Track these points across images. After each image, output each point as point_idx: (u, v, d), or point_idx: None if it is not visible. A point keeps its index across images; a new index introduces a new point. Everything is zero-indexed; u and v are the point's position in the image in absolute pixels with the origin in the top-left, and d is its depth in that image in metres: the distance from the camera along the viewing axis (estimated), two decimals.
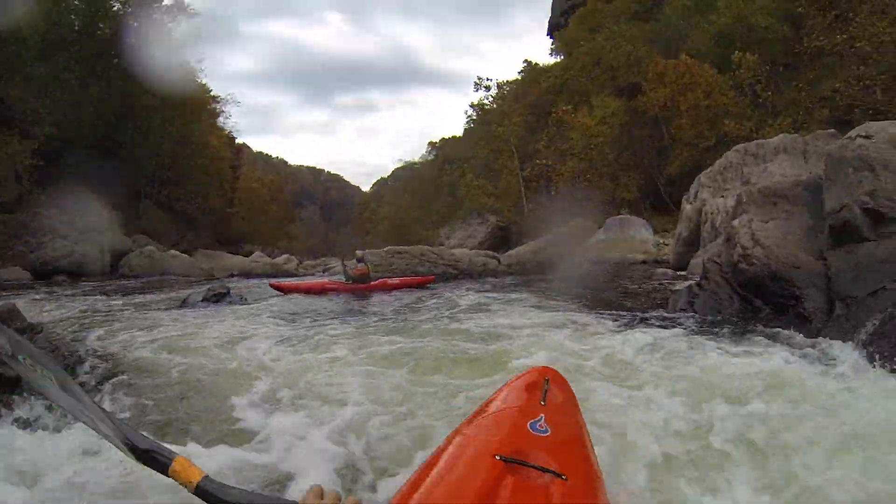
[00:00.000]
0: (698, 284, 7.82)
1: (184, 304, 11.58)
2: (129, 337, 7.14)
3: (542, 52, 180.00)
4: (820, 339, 5.49)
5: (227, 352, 6.15)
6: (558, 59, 56.34)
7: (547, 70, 53.19)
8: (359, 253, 15.80)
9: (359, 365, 5.39)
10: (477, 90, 56.40)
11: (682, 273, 14.23)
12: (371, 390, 4.47)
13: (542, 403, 2.15)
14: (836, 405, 3.70)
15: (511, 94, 56.05)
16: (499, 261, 22.59)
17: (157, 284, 19.15)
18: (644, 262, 21.10)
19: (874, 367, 4.52)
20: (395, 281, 15.44)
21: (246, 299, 12.34)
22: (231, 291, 12.46)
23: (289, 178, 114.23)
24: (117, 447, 1.41)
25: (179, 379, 5.07)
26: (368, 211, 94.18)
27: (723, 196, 15.95)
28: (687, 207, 17.84)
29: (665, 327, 6.70)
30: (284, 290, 14.65)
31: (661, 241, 23.87)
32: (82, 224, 26.41)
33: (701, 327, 6.60)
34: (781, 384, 4.28)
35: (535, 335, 6.63)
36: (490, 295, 12.47)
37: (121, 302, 12.60)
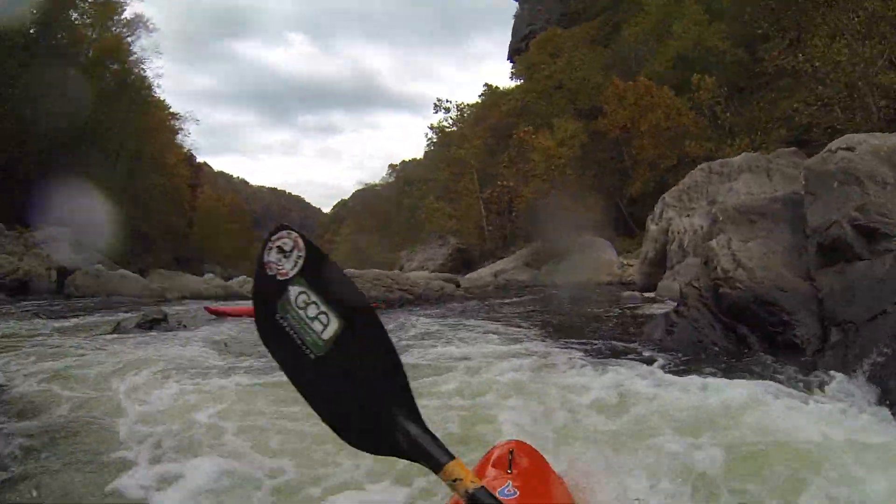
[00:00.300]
0: (676, 311, 7.11)
1: (116, 329, 10.71)
2: (32, 366, 6.46)
3: (502, 76, 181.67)
4: (816, 372, 4.89)
5: (126, 388, 5.46)
6: (518, 83, 56.33)
7: (507, 93, 53.18)
8: None
9: (263, 406, 4.79)
10: (437, 112, 55.86)
11: (651, 295, 13.69)
12: (259, 434, 3.96)
13: (509, 472, 2.09)
14: (842, 464, 3.12)
15: (471, 116, 55.86)
16: (457, 284, 21.96)
17: (100, 306, 18.16)
18: (609, 283, 20.65)
19: (883, 407, 3.94)
20: None
21: (185, 325, 11.56)
22: (168, 317, 11.68)
23: (250, 198, 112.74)
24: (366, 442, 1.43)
25: (60, 420, 4.46)
26: (329, 233, 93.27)
27: (688, 215, 15.59)
28: (652, 228, 17.42)
29: (641, 360, 6.06)
30: (220, 315, 13.94)
31: (626, 262, 23.44)
32: (30, 239, 25.42)
33: (681, 360, 5.94)
34: (775, 430, 3.65)
35: (483, 368, 5.93)
36: (445, 321, 11.78)
37: (51, 325, 11.75)
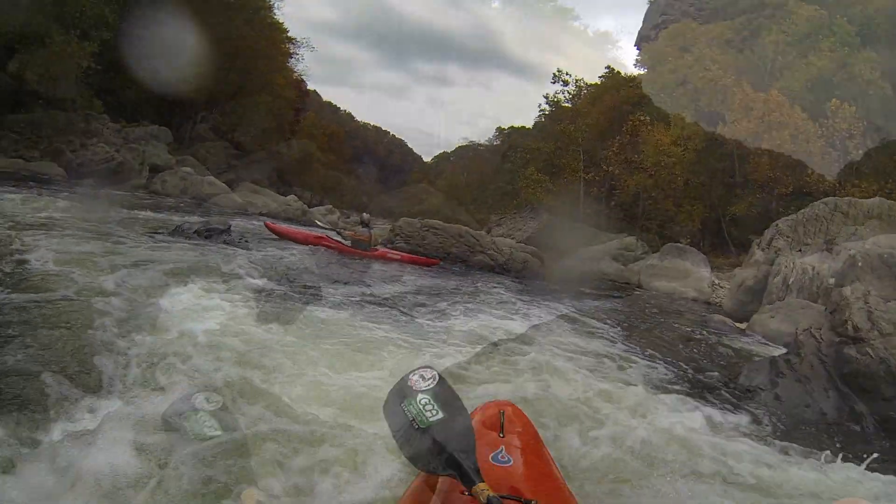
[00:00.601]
0: (786, 361, 6.18)
1: (175, 231, 10.85)
2: (65, 245, 6.52)
3: (626, 61, 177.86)
4: None
5: (136, 287, 5.38)
6: (642, 72, 54.61)
7: (629, 80, 51.52)
8: (365, 216, 14.76)
9: (256, 329, 4.76)
10: (555, 82, 54.46)
11: (742, 326, 12.74)
12: (244, 370, 3.76)
13: (501, 436, 2.24)
14: None
15: (588, 95, 54.42)
16: (542, 260, 21.25)
17: (177, 206, 18.79)
18: (695, 300, 19.57)
19: None
20: (397, 255, 14.36)
21: (246, 241, 11.58)
22: (231, 229, 11.67)
23: (353, 132, 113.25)
24: (420, 462, 1.98)
25: (55, 302, 4.47)
26: (426, 181, 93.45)
27: (800, 250, 14.49)
28: (758, 253, 16.16)
29: (732, 406, 5.39)
30: (279, 234, 13.88)
31: (718, 282, 22.12)
32: (130, 134, 26.44)
33: (778, 420, 5.20)
34: None
35: (556, 359, 5.50)
36: (521, 296, 11.41)
37: (118, 214, 12.13)
